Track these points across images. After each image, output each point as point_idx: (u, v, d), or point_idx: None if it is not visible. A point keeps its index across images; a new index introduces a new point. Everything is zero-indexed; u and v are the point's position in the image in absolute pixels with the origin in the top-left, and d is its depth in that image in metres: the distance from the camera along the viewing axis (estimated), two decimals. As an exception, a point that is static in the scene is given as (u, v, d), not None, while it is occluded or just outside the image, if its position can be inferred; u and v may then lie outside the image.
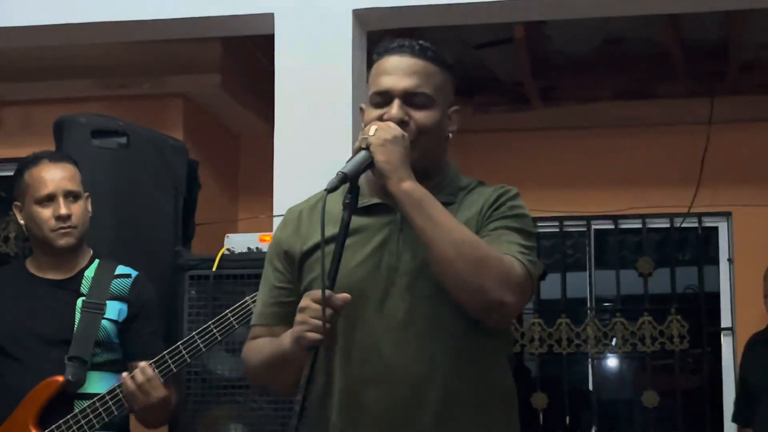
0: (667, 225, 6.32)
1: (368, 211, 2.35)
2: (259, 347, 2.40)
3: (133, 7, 4.63)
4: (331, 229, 2.26)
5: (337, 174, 2.20)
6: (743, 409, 5.08)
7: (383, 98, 2.35)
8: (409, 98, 2.33)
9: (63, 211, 3.32)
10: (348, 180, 2.22)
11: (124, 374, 3.24)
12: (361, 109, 2.43)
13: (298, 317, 2.18)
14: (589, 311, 6.28)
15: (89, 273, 3.40)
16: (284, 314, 2.38)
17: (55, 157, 3.43)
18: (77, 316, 3.32)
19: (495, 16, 4.70)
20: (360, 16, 4.50)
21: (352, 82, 4.38)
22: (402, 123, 2.31)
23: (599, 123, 6.26)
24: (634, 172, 6.23)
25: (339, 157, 4.12)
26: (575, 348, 6.20)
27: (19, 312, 3.36)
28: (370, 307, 2.29)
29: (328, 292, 2.15)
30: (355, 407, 2.28)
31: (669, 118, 6.19)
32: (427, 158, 2.35)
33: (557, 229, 6.39)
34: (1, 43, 4.97)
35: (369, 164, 2.25)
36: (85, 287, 3.37)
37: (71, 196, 3.35)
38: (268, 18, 4.53)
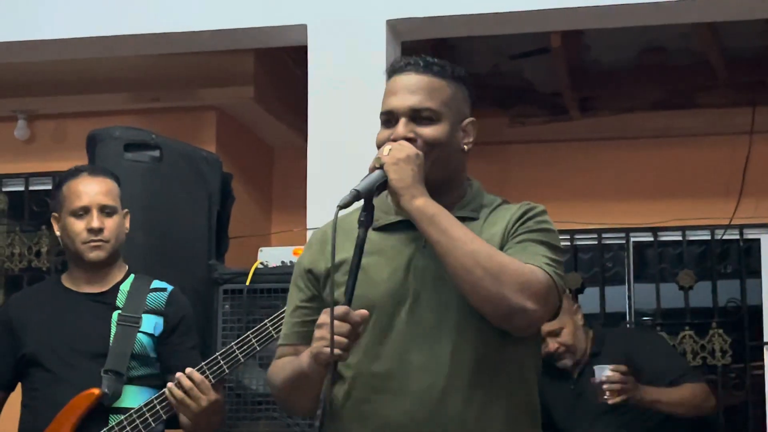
0: (708, 237, 6.22)
1: (392, 229, 2.38)
2: (282, 366, 2.43)
3: (165, 19, 4.62)
4: (352, 248, 2.27)
5: (351, 191, 2.23)
6: None
7: (390, 118, 2.38)
8: (414, 115, 2.36)
9: (95, 224, 3.32)
10: (360, 197, 2.25)
11: (169, 384, 3.19)
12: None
13: (316, 333, 2.21)
14: (628, 325, 6.18)
15: (125, 287, 3.40)
16: (308, 333, 2.39)
17: (95, 171, 3.45)
18: (113, 329, 3.31)
19: (532, 26, 4.66)
20: (394, 26, 4.47)
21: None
22: (409, 141, 2.34)
23: (639, 133, 6.20)
24: (674, 183, 6.16)
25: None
26: (615, 362, 6.11)
27: (55, 326, 3.36)
28: (397, 321, 2.31)
29: (345, 308, 2.17)
30: (376, 420, 2.29)
31: (709, 128, 6.11)
32: (440, 171, 2.36)
33: (596, 242, 6.32)
34: (34, 56, 4.99)
35: (383, 183, 2.28)
36: (120, 301, 3.37)
37: (106, 210, 3.36)
38: (302, 29, 4.51)
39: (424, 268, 2.32)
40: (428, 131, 2.35)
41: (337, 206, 2.20)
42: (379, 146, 2.37)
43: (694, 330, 6.08)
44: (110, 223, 3.35)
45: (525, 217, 2.37)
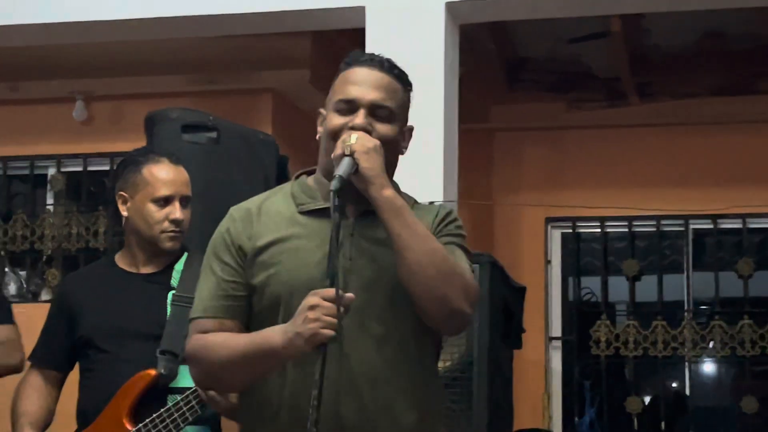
0: (769, 225, 6.15)
1: (318, 215, 2.41)
2: (224, 342, 2.41)
3: (223, 1, 4.61)
4: (280, 230, 2.39)
5: (338, 177, 2.29)
6: None
7: (349, 107, 2.42)
8: (373, 110, 2.42)
9: (179, 215, 3.34)
10: (346, 183, 2.30)
11: None
12: (320, 113, 2.49)
13: (311, 314, 2.20)
14: (686, 314, 6.12)
15: (178, 266, 3.40)
16: (235, 308, 2.43)
17: (174, 159, 3.43)
18: (168, 309, 3.31)
19: (591, 9, 4.61)
20: (453, 9, 4.43)
21: (444, 76, 4.29)
22: (365, 132, 2.39)
23: (698, 119, 6.13)
24: (734, 170, 6.08)
25: (429, 153, 4.11)
26: (671, 351, 6.06)
27: (109, 307, 3.35)
28: None
29: (334, 290, 2.19)
30: (304, 408, 2.26)
31: (770, 115, 6.02)
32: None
33: (654, 229, 6.25)
34: (91, 37, 5.01)
35: (354, 170, 2.33)
36: (175, 280, 3.36)
37: (185, 201, 3.37)
38: (359, 11, 4.49)
39: (352, 257, 2.37)
40: (383, 128, 2.41)
41: (332, 191, 2.25)
42: (333, 132, 2.40)
43: (754, 319, 6.01)
44: (186, 214, 3.37)
45: (447, 220, 2.47)
